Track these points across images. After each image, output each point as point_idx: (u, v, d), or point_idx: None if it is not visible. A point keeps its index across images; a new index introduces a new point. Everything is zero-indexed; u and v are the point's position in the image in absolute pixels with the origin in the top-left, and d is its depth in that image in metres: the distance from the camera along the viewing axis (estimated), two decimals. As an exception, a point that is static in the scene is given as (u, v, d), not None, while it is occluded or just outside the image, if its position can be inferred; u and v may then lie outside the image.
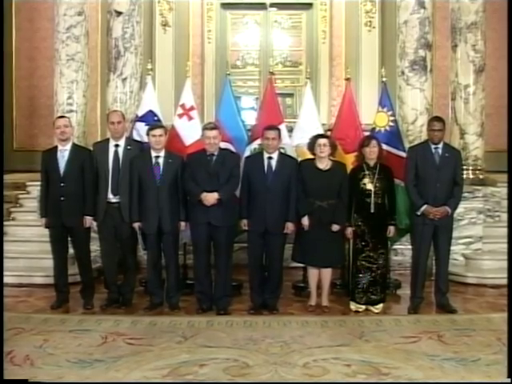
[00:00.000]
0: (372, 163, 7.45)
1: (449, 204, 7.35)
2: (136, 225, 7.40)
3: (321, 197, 7.33)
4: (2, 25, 11.33)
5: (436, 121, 7.55)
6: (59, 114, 9.30)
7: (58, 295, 7.75)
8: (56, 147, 7.62)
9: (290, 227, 7.34)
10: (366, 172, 7.42)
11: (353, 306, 7.52)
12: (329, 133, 8.75)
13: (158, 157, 7.38)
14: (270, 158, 7.38)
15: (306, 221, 7.34)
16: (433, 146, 7.43)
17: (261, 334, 6.62)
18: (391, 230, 7.49)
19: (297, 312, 7.53)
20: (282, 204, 7.29)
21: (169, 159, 7.39)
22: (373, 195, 7.35)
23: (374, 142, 7.46)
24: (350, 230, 7.45)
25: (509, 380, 5.31)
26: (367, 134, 8.19)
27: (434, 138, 7.43)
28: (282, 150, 8.01)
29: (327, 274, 7.59)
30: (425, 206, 7.30)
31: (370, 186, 7.37)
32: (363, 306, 7.48)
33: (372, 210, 7.36)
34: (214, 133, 7.30)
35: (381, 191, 7.37)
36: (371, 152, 7.42)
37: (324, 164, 7.44)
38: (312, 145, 7.48)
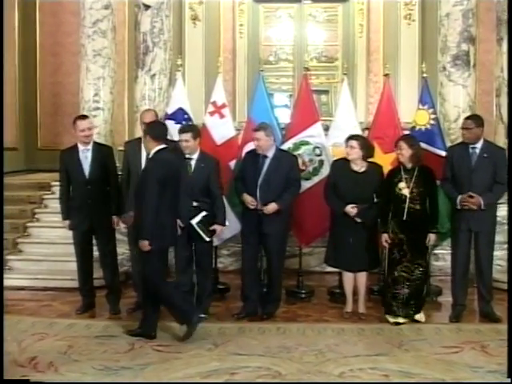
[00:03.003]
0: (409, 166, 7.23)
1: (483, 196, 7.18)
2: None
3: (353, 200, 7.28)
4: (2, 23, 11.46)
5: (467, 119, 7.52)
6: (85, 112, 9.41)
7: (83, 300, 7.81)
8: (76, 146, 7.64)
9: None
10: (403, 175, 7.21)
11: (391, 319, 7.30)
12: (366, 132, 8.73)
13: (190, 159, 7.39)
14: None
15: (350, 209, 7.29)
16: (470, 146, 7.34)
17: (294, 341, 6.62)
18: (431, 237, 7.24)
19: (332, 319, 7.51)
20: None
21: (201, 163, 7.36)
22: (407, 201, 7.15)
23: (400, 144, 7.23)
24: (386, 237, 7.25)
25: (509, 380, 5.34)
26: (407, 132, 8.15)
27: (463, 137, 7.40)
28: (317, 151, 8.08)
29: (362, 278, 7.56)
30: (459, 197, 7.22)
31: (405, 191, 7.16)
32: (402, 320, 7.26)
33: (404, 217, 7.16)
34: (257, 134, 7.37)
35: (418, 197, 7.15)
36: (399, 155, 7.26)
37: (359, 166, 7.40)
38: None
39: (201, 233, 7.25)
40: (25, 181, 11.68)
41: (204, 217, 7.25)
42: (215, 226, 7.37)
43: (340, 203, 7.35)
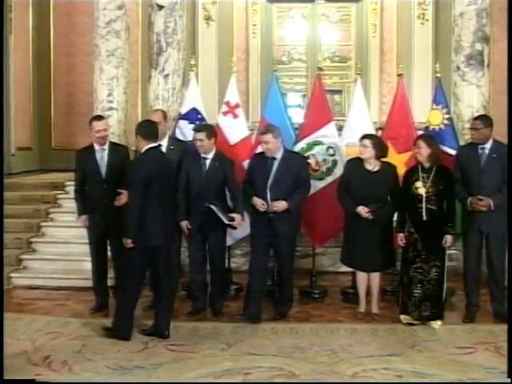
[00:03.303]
0: (427, 165, 7.16)
1: (493, 197, 7.15)
2: (183, 223, 7.42)
3: (366, 200, 7.24)
4: (2, 23, 11.52)
5: (475, 119, 7.52)
6: (99, 112, 9.42)
7: (97, 299, 7.83)
8: (92, 146, 7.69)
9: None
10: (420, 174, 7.15)
11: (404, 319, 7.26)
12: (379, 132, 8.71)
13: (205, 158, 7.42)
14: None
15: (362, 210, 7.26)
16: (480, 147, 7.32)
17: (308, 341, 6.62)
18: (448, 239, 7.15)
19: (345, 319, 7.50)
20: None
21: (216, 163, 7.39)
22: (424, 201, 7.08)
23: (419, 143, 7.17)
24: (401, 237, 7.21)
25: (509, 380, 5.37)
26: (420, 132, 8.13)
27: (472, 137, 7.41)
28: (330, 151, 8.07)
29: (376, 278, 7.54)
30: (469, 199, 7.18)
31: (421, 191, 7.09)
32: (417, 322, 7.22)
33: (424, 217, 7.09)
34: (265, 137, 7.30)
35: (435, 196, 7.07)
36: (417, 154, 7.19)
37: (372, 165, 7.39)
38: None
39: (220, 215, 7.23)
40: (38, 180, 11.74)
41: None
42: (234, 214, 7.35)
43: (352, 203, 7.34)
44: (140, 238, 6.54)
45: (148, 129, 6.83)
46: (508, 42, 9.31)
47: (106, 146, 7.65)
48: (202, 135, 7.37)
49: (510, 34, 9.23)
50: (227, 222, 7.32)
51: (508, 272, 7.57)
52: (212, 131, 7.51)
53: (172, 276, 7.07)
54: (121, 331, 6.67)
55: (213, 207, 7.24)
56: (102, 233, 7.67)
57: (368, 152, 7.31)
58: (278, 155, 7.35)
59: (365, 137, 7.42)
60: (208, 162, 7.41)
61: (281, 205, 7.17)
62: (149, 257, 6.69)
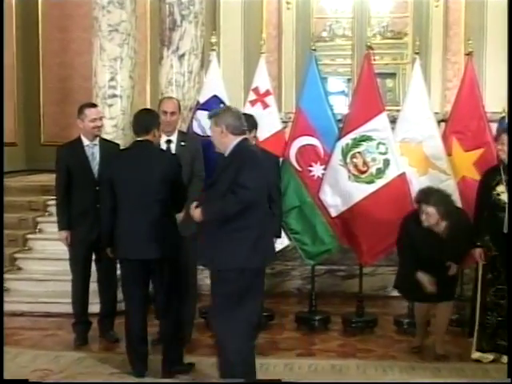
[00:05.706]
0: None
1: None
2: None
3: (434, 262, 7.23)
4: (2, 21, 11.66)
5: None
6: (99, 100, 9.49)
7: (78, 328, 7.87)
8: (79, 141, 7.73)
9: None
10: (503, 177, 6.98)
11: (476, 354, 7.19)
12: (442, 125, 8.70)
13: None
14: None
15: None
16: None
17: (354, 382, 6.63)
18: None
19: (399, 355, 7.48)
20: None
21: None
22: (507, 209, 6.91)
23: (503, 138, 7.02)
24: (480, 252, 7.09)
25: (509, 380, 5.66)
26: (494, 125, 8.11)
27: None
28: (382, 148, 8.07)
29: (445, 311, 7.45)
30: None
31: (504, 197, 6.93)
32: (490, 356, 7.13)
33: (505, 230, 6.93)
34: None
35: None
36: (499, 151, 7.07)
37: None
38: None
39: None
40: (25, 183, 11.84)
41: None
42: None
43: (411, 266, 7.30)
44: (114, 249, 6.81)
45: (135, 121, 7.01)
46: (508, 41, 9.26)
47: (97, 141, 7.72)
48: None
49: (510, 33, 9.19)
50: None
51: (507, 276, 7.45)
52: (252, 123, 7.41)
53: (183, 304, 7.08)
54: (131, 364, 6.77)
55: None
56: (93, 244, 7.60)
57: (433, 220, 7.11)
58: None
59: (427, 202, 7.09)
60: None
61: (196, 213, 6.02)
62: (131, 271, 6.75)
